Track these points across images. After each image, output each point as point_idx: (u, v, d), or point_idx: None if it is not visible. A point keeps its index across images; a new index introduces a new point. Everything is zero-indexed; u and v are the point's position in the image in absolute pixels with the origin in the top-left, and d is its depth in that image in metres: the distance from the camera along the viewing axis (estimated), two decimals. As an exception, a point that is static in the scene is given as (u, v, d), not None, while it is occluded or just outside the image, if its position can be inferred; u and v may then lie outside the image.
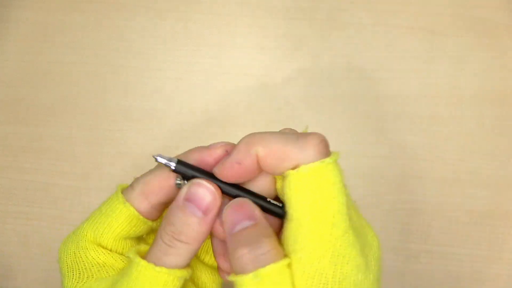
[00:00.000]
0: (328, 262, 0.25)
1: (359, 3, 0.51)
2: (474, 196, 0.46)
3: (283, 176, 0.27)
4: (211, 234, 0.30)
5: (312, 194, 0.26)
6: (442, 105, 0.48)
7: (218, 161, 0.29)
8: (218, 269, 0.31)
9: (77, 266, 0.30)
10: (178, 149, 0.49)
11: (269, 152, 0.27)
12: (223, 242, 0.30)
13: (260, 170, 0.28)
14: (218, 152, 0.30)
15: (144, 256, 0.29)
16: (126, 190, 0.31)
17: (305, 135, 0.27)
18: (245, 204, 0.28)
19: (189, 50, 0.50)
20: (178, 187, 0.29)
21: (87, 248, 0.31)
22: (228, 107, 0.49)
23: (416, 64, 0.50)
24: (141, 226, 0.31)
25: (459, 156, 0.47)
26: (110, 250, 0.31)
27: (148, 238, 0.34)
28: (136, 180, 0.31)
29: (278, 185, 0.29)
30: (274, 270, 0.25)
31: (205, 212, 0.28)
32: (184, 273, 0.28)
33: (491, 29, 0.50)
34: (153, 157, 0.29)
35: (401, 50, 0.50)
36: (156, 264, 0.27)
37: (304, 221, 0.26)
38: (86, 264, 0.30)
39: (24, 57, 0.50)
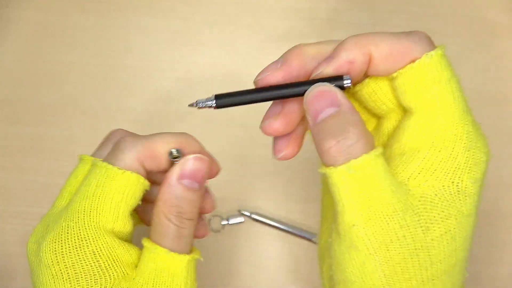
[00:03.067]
0: (462, 147, 0.25)
1: (359, 3, 0.51)
2: (474, 196, 0.46)
3: (391, 77, 0.26)
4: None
5: (438, 84, 0.25)
6: (442, 105, 0.48)
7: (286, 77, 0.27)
8: (274, 149, 0.29)
9: (87, 269, 0.25)
10: (178, 149, 0.49)
11: (384, 50, 0.25)
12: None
13: (364, 75, 0.27)
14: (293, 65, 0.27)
15: (155, 243, 0.27)
16: (111, 158, 0.27)
17: (411, 32, 0.26)
18: (326, 89, 0.25)
19: (189, 50, 0.50)
20: (172, 158, 0.28)
21: (99, 240, 0.26)
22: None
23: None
24: (141, 192, 0.28)
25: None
26: (120, 235, 0.27)
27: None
28: (128, 144, 0.27)
29: (381, 87, 0.27)
30: (368, 161, 0.24)
31: (201, 184, 0.28)
32: (199, 253, 0.28)
33: (491, 29, 0.50)
34: (193, 105, 0.28)
35: (401, 50, 0.50)
36: (178, 252, 0.27)
37: (435, 109, 0.25)
38: (102, 263, 0.26)
39: (24, 57, 0.50)
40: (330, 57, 0.26)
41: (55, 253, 0.25)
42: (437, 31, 0.50)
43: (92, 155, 0.30)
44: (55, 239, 0.26)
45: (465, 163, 0.25)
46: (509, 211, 0.46)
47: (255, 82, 0.28)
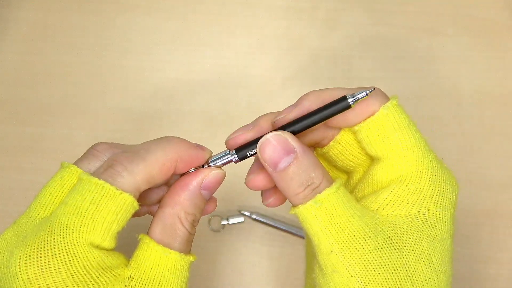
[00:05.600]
0: (428, 181, 0.27)
1: (359, 3, 0.51)
2: (474, 196, 0.46)
3: (354, 130, 0.29)
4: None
5: (399, 130, 0.28)
6: (442, 105, 0.48)
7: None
8: (262, 197, 0.31)
9: (79, 281, 0.25)
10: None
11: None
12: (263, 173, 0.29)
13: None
14: (264, 126, 0.29)
15: (161, 242, 0.28)
16: (108, 178, 0.26)
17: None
18: (279, 138, 0.27)
19: (189, 50, 0.50)
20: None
21: (89, 256, 0.25)
22: (228, 107, 0.49)
23: (416, 64, 0.50)
24: (130, 215, 0.27)
25: (459, 156, 0.47)
26: (106, 248, 0.27)
27: None
28: (125, 166, 0.27)
29: (346, 147, 0.30)
30: (331, 193, 0.26)
31: (211, 196, 0.30)
32: (195, 256, 0.30)
33: (491, 29, 0.50)
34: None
35: (401, 50, 0.50)
36: (182, 251, 0.28)
37: (399, 152, 0.28)
38: (93, 274, 0.26)
39: (24, 57, 0.50)
40: (293, 105, 0.29)
41: (40, 269, 0.24)
42: (437, 31, 0.50)
43: (77, 165, 0.29)
44: (39, 254, 0.25)
45: (430, 194, 0.27)
46: (509, 211, 0.46)
47: (226, 142, 0.30)
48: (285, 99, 0.49)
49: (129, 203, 0.26)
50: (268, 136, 0.27)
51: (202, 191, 0.29)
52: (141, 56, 0.50)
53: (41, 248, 0.25)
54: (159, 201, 0.30)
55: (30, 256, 0.25)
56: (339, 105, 0.27)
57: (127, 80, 0.50)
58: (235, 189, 0.46)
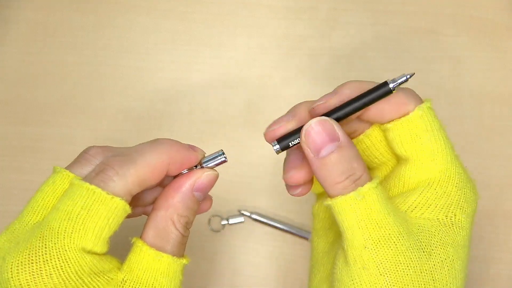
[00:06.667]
0: (455, 186, 0.28)
1: (359, 3, 0.51)
2: (474, 196, 0.46)
3: (385, 128, 0.29)
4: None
5: (431, 133, 0.28)
6: (442, 105, 0.48)
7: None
8: (288, 187, 0.31)
9: (71, 287, 0.25)
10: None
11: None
12: (297, 156, 0.29)
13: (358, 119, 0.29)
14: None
15: (154, 246, 0.27)
16: (100, 182, 0.26)
17: (403, 88, 0.29)
18: (326, 123, 0.27)
19: (189, 50, 0.50)
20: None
21: (80, 261, 0.25)
22: (228, 107, 0.49)
23: (416, 64, 0.50)
24: (122, 220, 0.27)
25: (459, 156, 0.47)
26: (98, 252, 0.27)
27: None
28: (117, 171, 0.26)
29: (374, 143, 0.31)
30: (372, 188, 0.26)
31: (205, 196, 0.30)
32: (188, 259, 0.29)
33: (491, 29, 0.50)
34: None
35: (401, 50, 0.50)
36: (175, 255, 0.28)
37: (429, 155, 0.28)
38: (85, 279, 0.25)
39: (24, 57, 0.50)
40: (332, 93, 0.29)
41: (32, 275, 0.24)
42: (437, 31, 0.50)
43: (69, 170, 0.29)
44: (31, 260, 0.25)
45: (457, 200, 0.28)
46: (510, 211, 0.46)
47: (265, 134, 0.30)
48: (285, 99, 0.49)
49: (121, 208, 0.26)
50: (314, 121, 0.27)
51: (195, 192, 0.29)
52: (141, 56, 0.50)
53: (32, 254, 0.25)
54: (154, 202, 0.30)
55: (22, 262, 0.25)
56: (381, 91, 0.27)
57: (127, 80, 0.50)
58: (235, 189, 0.46)
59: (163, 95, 0.49)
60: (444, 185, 0.28)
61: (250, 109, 0.49)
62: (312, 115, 0.28)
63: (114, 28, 0.51)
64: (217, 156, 0.29)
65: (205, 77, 0.50)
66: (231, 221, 0.45)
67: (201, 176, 0.29)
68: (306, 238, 0.45)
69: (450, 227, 0.27)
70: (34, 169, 0.48)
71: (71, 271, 0.25)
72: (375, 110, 0.28)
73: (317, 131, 0.27)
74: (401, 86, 0.28)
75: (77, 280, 0.25)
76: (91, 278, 0.26)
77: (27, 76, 0.50)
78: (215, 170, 0.30)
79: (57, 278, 0.25)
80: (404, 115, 0.28)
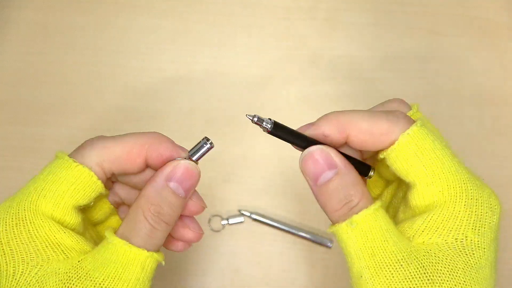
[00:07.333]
0: (463, 206, 0.26)
1: (359, 3, 0.51)
2: (474, 196, 0.46)
3: (379, 158, 0.28)
4: None
5: (422, 156, 0.27)
6: (442, 105, 0.48)
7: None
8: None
9: (22, 247, 0.26)
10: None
11: (362, 131, 0.27)
12: None
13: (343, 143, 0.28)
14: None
15: (121, 236, 0.27)
16: (74, 154, 0.28)
17: (389, 112, 0.28)
18: (322, 152, 0.27)
19: (189, 50, 0.50)
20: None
21: (35, 222, 0.27)
22: (228, 107, 0.49)
23: (416, 64, 0.50)
24: (92, 192, 0.28)
25: (459, 156, 0.47)
26: (62, 224, 0.27)
27: (93, 212, 0.32)
28: (91, 143, 0.28)
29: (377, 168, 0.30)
30: (368, 215, 0.26)
31: (187, 193, 0.28)
32: (162, 256, 0.28)
33: (491, 29, 0.50)
34: (248, 116, 0.27)
35: (401, 50, 0.50)
36: (142, 247, 0.27)
37: (428, 179, 0.26)
38: (39, 244, 0.26)
39: (24, 57, 0.50)
40: (311, 124, 0.28)
41: (5, 227, 0.27)
42: (437, 31, 0.50)
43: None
44: (6, 215, 0.27)
45: (467, 219, 0.26)
46: (509, 211, 0.46)
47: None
48: (285, 99, 0.49)
49: (86, 176, 0.27)
50: (311, 149, 0.27)
51: (170, 183, 0.27)
52: (141, 56, 0.50)
53: (6, 210, 0.27)
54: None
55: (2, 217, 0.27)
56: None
57: (127, 80, 0.50)
58: (235, 189, 0.46)
59: (163, 95, 0.49)
60: (451, 206, 0.26)
61: (250, 109, 0.49)
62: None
63: (114, 28, 0.51)
64: (202, 145, 0.28)
65: (205, 77, 0.50)
66: (231, 221, 0.45)
67: (176, 166, 0.28)
68: (305, 238, 0.45)
69: (460, 251, 0.26)
70: (34, 169, 0.48)
71: (24, 231, 0.26)
72: (359, 143, 0.27)
73: (314, 159, 0.27)
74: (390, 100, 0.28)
75: (29, 241, 0.26)
76: (46, 246, 0.26)
77: (27, 76, 0.50)
78: (195, 162, 0.28)
79: (10, 234, 0.26)
80: (390, 145, 0.27)
